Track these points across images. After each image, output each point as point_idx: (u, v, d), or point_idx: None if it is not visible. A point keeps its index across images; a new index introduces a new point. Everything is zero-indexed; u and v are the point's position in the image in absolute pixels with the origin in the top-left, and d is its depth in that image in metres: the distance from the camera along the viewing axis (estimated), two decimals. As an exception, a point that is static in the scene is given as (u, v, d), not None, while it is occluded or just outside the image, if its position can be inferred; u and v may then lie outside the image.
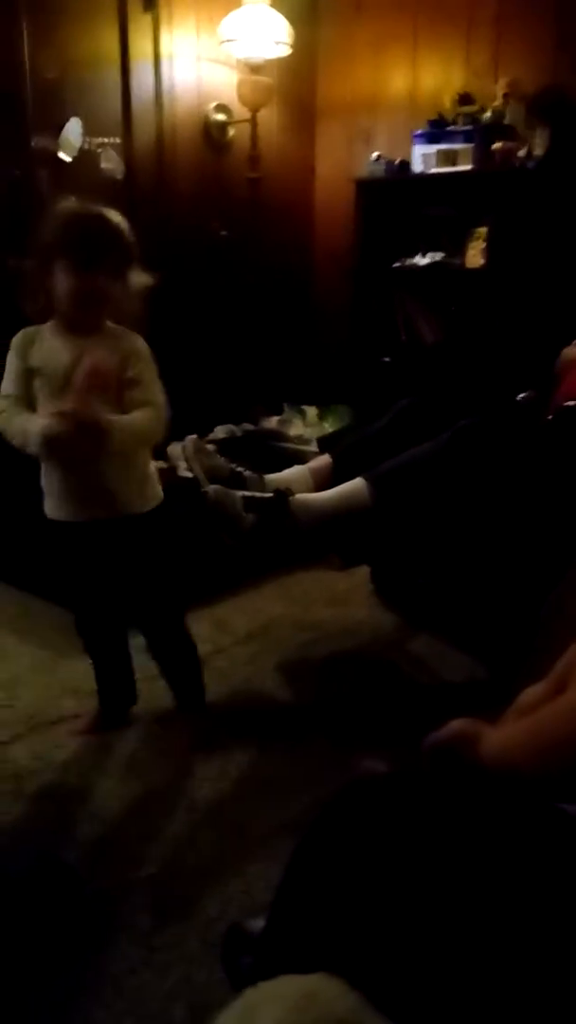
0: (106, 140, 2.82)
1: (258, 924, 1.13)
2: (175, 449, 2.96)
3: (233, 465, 2.33)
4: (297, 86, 3.56)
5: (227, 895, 1.58)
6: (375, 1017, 0.64)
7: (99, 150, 2.81)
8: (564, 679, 0.89)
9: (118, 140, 2.87)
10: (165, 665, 2.10)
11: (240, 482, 2.30)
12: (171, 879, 1.63)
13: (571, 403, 2.27)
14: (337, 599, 2.84)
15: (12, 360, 1.74)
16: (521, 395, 2.64)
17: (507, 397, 2.69)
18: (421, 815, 0.76)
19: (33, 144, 2.57)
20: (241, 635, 2.59)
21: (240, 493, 2.41)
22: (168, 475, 2.76)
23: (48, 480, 1.83)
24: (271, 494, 2.22)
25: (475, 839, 0.74)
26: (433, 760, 0.90)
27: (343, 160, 3.65)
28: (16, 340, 1.75)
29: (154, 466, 2.03)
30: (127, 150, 2.91)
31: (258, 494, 2.25)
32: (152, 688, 2.15)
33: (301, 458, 2.57)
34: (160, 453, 2.96)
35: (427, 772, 0.88)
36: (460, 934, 0.69)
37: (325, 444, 2.84)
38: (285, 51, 3.11)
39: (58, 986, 1.40)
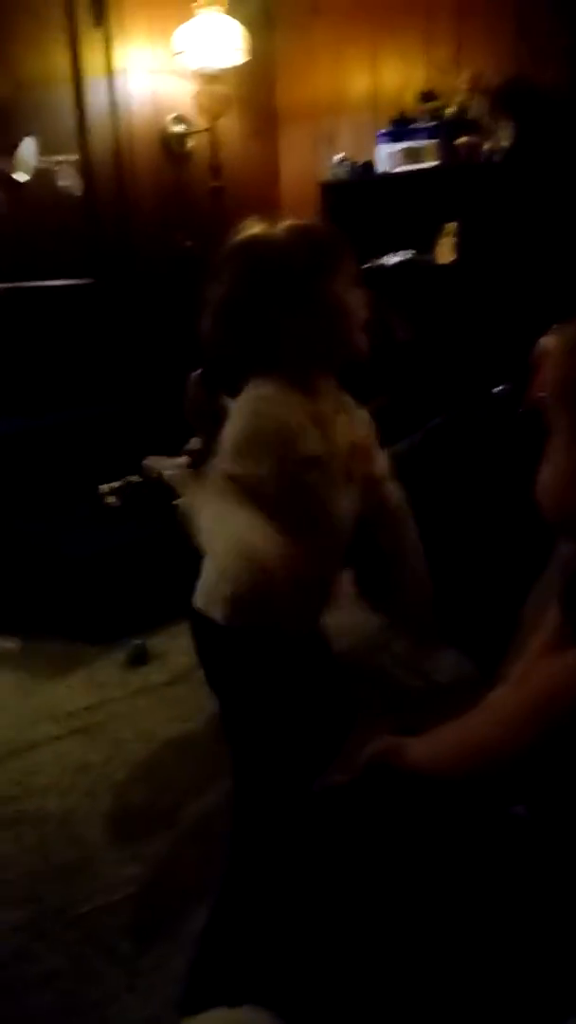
0: (62, 158, 2.80)
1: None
2: (152, 462, 2.95)
3: None
4: (256, 93, 3.55)
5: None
6: None
7: (56, 168, 2.79)
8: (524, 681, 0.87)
9: (75, 157, 2.85)
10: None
11: None
12: (153, 899, 1.60)
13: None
14: (322, 605, 2.80)
15: (268, 459, 1.20)
16: (497, 388, 2.62)
17: (482, 392, 2.66)
18: (350, 842, 0.73)
19: (-13, 166, 2.56)
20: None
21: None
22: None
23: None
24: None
25: (415, 862, 0.71)
26: (367, 775, 0.88)
27: (308, 164, 3.63)
28: (278, 428, 1.22)
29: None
30: (85, 166, 2.89)
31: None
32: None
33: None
34: (136, 468, 2.95)
35: (365, 791, 0.85)
36: (400, 961, 0.66)
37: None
38: (241, 59, 3.09)
39: (38, 1018, 1.36)
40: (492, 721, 0.77)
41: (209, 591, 1.32)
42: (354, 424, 1.39)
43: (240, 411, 1.27)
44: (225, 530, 1.19)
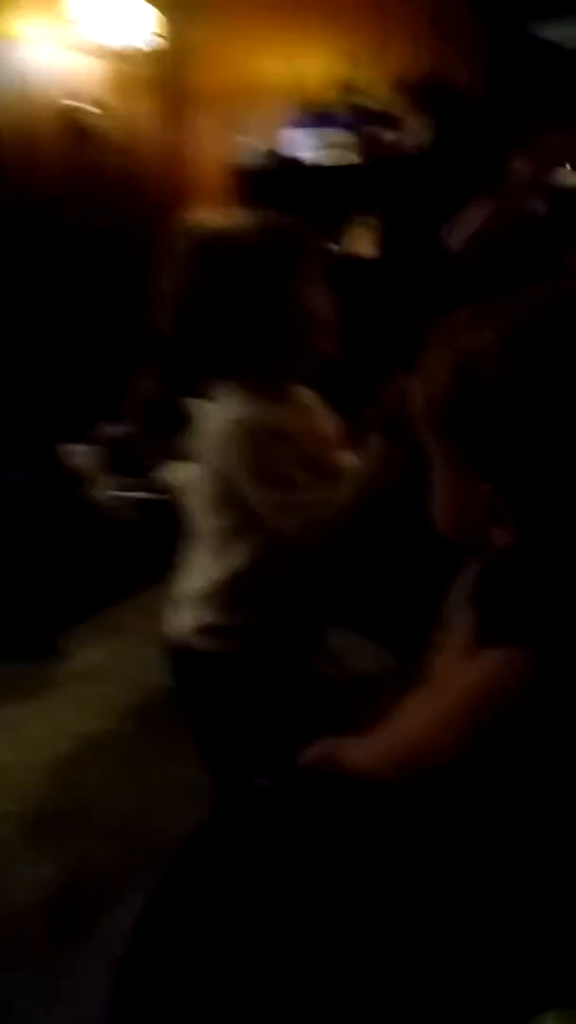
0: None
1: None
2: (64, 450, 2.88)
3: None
4: (171, 75, 3.46)
5: (130, 909, 1.52)
6: None
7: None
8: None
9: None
10: None
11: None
12: (71, 900, 1.57)
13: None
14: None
15: (282, 453, 1.18)
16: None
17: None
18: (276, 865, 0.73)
19: None
20: (141, 639, 2.52)
21: (130, 495, 2.35)
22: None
23: None
24: (164, 495, 2.17)
25: (350, 865, 0.71)
26: (306, 779, 0.87)
27: (222, 150, 3.58)
28: (269, 427, 1.18)
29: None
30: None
31: (148, 495, 2.20)
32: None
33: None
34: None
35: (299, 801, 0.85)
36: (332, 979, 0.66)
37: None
38: (155, 40, 3.03)
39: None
40: (427, 724, 0.76)
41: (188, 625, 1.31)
42: (324, 424, 1.34)
43: (226, 439, 1.19)
44: None
